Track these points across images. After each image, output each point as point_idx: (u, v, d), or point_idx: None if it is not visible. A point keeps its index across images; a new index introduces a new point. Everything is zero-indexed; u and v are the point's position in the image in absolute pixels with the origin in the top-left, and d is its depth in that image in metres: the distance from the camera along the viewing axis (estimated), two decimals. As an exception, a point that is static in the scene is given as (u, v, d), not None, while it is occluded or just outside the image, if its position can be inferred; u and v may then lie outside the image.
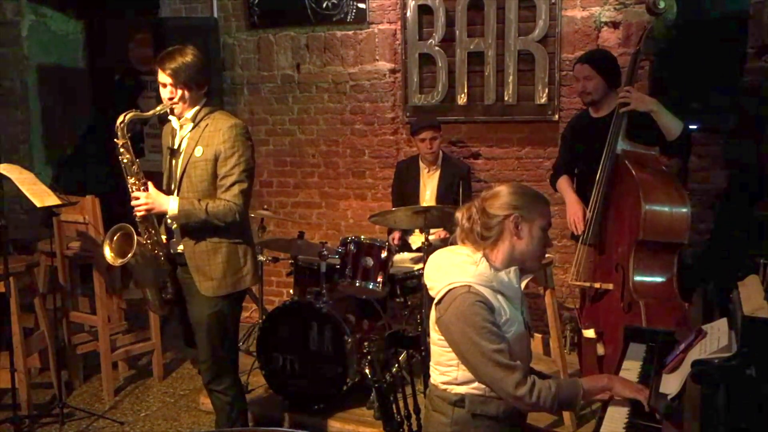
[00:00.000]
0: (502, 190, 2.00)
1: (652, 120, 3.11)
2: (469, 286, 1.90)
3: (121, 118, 2.66)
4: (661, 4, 2.97)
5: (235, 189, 2.67)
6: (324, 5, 4.63)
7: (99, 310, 3.80)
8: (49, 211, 3.43)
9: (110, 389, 3.89)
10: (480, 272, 1.93)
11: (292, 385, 3.47)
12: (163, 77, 2.65)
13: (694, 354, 1.72)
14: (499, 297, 1.94)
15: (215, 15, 4.87)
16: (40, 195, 3.34)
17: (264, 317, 3.64)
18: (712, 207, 3.93)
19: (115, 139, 2.68)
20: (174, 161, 2.77)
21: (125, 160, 2.69)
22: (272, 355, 3.48)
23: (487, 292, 1.91)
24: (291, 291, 3.94)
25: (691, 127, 3.28)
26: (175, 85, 2.64)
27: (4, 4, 5.35)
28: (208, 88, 2.77)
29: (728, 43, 3.25)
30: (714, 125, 3.42)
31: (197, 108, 2.74)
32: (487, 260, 1.96)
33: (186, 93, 2.67)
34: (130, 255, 2.67)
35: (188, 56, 2.65)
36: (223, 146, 2.66)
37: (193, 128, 2.73)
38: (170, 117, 2.78)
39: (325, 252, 3.58)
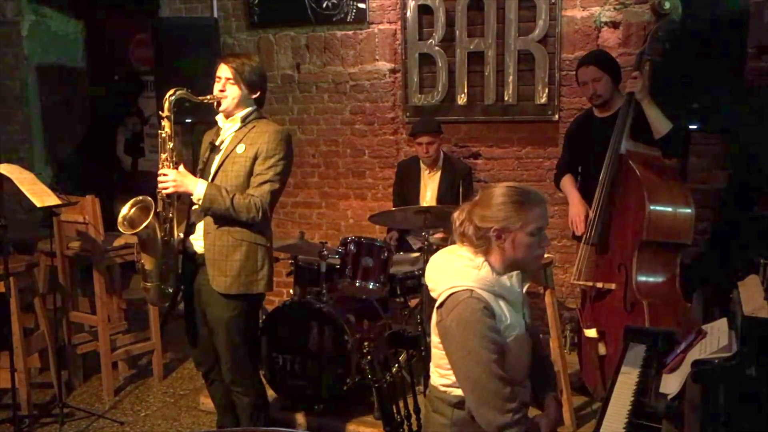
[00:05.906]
0: (490, 199, 1.94)
1: None
2: (471, 291, 1.88)
3: (171, 92, 2.67)
4: (667, 5, 2.98)
5: (266, 188, 2.69)
6: (324, 5, 4.62)
7: (99, 310, 3.80)
8: (49, 211, 3.42)
9: (110, 389, 3.90)
10: (482, 276, 1.91)
11: (292, 385, 3.47)
12: (224, 70, 2.72)
13: (694, 354, 1.72)
14: (501, 302, 1.93)
15: (215, 15, 4.87)
16: (40, 195, 3.34)
17: (264, 317, 3.64)
18: (712, 207, 3.92)
19: (160, 111, 2.70)
20: (212, 156, 2.80)
21: (163, 134, 2.70)
22: (272, 355, 3.48)
23: (488, 297, 1.90)
24: (291, 291, 3.94)
25: (691, 127, 3.28)
26: (232, 79, 2.71)
27: (4, 4, 5.35)
28: (263, 98, 2.82)
29: (728, 43, 3.25)
30: (714, 125, 3.42)
31: (248, 110, 2.78)
32: (489, 264, 1.94)
33: (238, 90, 2.72)
34: (142, 226, 2.64)
35: (253, 60, 2.79)
36: (265, 146, 2.69)
37: (240, 128, 2.77)
38: (216, 117, 2.81)
39: (325, 252, 3.57)
